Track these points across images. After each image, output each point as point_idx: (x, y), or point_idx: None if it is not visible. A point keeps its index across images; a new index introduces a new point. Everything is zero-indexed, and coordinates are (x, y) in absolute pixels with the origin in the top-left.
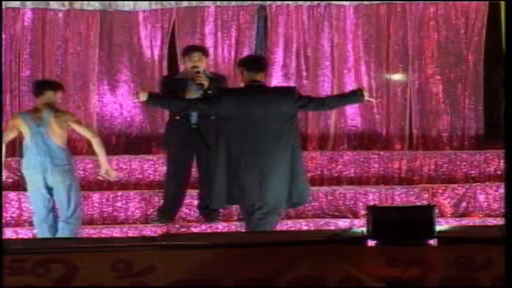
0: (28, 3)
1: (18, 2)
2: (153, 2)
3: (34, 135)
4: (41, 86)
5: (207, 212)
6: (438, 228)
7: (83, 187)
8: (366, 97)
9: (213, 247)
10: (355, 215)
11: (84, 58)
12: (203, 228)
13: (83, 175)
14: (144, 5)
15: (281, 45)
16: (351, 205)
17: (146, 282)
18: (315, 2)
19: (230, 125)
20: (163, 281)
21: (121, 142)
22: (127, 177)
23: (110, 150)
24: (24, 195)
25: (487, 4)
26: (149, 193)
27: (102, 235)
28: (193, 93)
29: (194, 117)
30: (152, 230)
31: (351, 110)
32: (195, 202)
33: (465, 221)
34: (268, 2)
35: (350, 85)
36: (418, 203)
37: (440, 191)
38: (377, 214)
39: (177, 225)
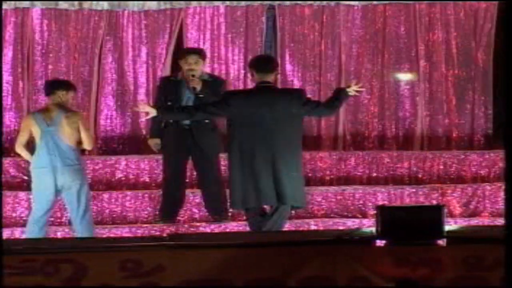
0: (37, 3)
1: (27, 2)
2: (162, 2)
3: (45, 134)
4: (52, 86)
5: (215, 212)
6: (447, 228)
7: (93, 187)
8: (352, 92)
9: (222, 247)
10: (364, 215)
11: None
12: (212, 228)
13: (92, 175)
14: (153, 4)
15: (289, 46)
16: (360, 205)
17: (154, 282)
18: (324, 2)
19: (240, 126)
20: (172, 281)
21: (130, 142)
22: (136, 177)
23: (120, 150)
24: None
25: (496, 4)
26: (158, 193)
27: (111, 235)
28: (186, 96)
29: None
30: (161, 230)
31: (359, 109)
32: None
33: (474, 221)
34: (277, 2)
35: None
36: (427, 203)
37: (449, 191)
38: (386, 214)
39: (186, 225)
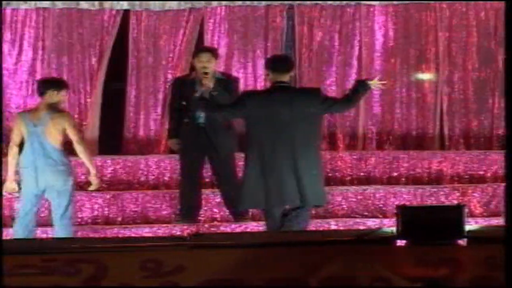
0: (58, 3)
1: (48, 2)
2: (182, 1)
3: (31, 134)
4: (43, 86)
5: (236, 212)
6: (467, 227)
7: (113, 186)
8: (374, 85)
9: (242, 246)
10: (385, 215)
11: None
12: (233, 227)
13: (112, 175)
14: (174, 4)
15: (308, 45)
16: (380, 205)
17: (175, 282)
18: (344, 2)
19: (257, 127)
20: (193, 281)
21: (151, 142)
22: (156, 177)
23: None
24: None
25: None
26: (178, 193)
27: (132, 235)
28: (198, 94)
29: (201, 118)
30: (181, 230)
31: (379, 109)
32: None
33: (495, 221)
34: (297, 2)
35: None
36: (447, 203)
37: (470, 190)
38: (406, 214)
39: (206, 225)
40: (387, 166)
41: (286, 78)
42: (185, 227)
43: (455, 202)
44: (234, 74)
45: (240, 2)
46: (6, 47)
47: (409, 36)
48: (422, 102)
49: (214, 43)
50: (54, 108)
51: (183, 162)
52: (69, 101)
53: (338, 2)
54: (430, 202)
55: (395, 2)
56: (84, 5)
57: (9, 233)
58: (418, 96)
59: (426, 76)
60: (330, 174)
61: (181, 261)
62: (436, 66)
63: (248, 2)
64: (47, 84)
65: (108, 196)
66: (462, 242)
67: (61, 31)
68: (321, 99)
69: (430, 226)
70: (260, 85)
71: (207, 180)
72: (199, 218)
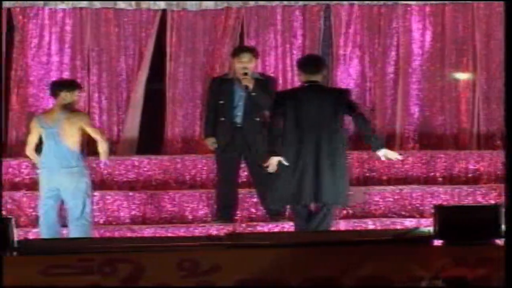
0: (96, 3)
1: (86, 2)
2: (219, 1)
3: (48, 136)
4: (55, 87)
5: (272, 212)
6: (505, 227)
7: (150, 186)
8: (384, 156)
9: (278, 246)
10: (422, 215)
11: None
12: (270, 227)
13: (148, 174)
14: (210, 4)
15: (344, 45)
16: (417, 205)
17: (212, 282)
18: (381, 2)
19: (289, 124)
20: (229, 281)
21: (187, 142)
22: (193, 177)
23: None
24: None
25: None
26: (215, 193)
27: (169, 235)
28: (238, 94)
29: (238, 117)
30: (218, 229)
31: (416, 109)
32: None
33: None
34: (334, 2)
35: (414, 85)
36: (485, 203)
37: None
38: (444, 214)
39: (243, 225)
40: (424, 166)
41: (317, 77)
42: (222, 227)
43: (492, 202)
44: (272, 74)
45: (277, 2)
46: (45, 48)
47: (446, 36)
48: (459, 102)
49: (252, 42)
50: (69, 109)
51: (219, 161)
52: (108, 101)
53: (375, 2)
54: (467, 202)
55: (432, 2)
56: (121, 5)
57: (33, 233)
58: (455, 95)
59: (463, 76)
60: (367, 174)
61: (218, 261)
62: (473, 66)
63: (285, 2)
64: (59, 86)
65: (145, 196)
66: (500, 241)
67: (99, 31)
68: (346, 99)
69: (467, 226)
70: (297, 84)
71: (243, 179)
72: (236, 217)
